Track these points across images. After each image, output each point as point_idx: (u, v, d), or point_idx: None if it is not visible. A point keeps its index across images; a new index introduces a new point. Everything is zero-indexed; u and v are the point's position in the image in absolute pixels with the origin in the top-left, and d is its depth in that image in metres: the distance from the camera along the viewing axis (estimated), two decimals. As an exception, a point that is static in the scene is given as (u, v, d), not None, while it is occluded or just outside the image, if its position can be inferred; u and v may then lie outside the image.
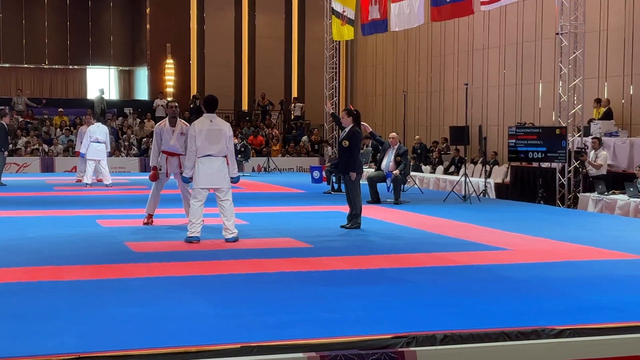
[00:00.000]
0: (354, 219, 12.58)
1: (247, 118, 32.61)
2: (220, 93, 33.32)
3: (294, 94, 34.52)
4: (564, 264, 9.23)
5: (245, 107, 34.27)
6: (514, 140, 17.87)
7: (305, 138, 31.69)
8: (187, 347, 5.34)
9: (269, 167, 28.11)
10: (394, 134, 17.55)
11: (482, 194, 18.18)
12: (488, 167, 20.89)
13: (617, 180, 16.34)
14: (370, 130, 14.66)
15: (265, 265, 8.96)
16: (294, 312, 6.53)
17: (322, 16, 30.42)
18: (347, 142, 12.46)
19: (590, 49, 18.98)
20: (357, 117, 12.79)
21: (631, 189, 14.87)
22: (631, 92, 19.57)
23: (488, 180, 19.16)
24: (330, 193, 18.93)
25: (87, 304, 6.82)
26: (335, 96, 30.11)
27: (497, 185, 19.58)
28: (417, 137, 26.21)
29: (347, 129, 12.62)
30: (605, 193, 15.66)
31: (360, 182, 12.80)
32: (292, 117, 33.35)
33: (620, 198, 15.14)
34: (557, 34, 17.95)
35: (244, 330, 5.86)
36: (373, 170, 17.29)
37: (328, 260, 9.30)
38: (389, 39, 30.37)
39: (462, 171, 17.77)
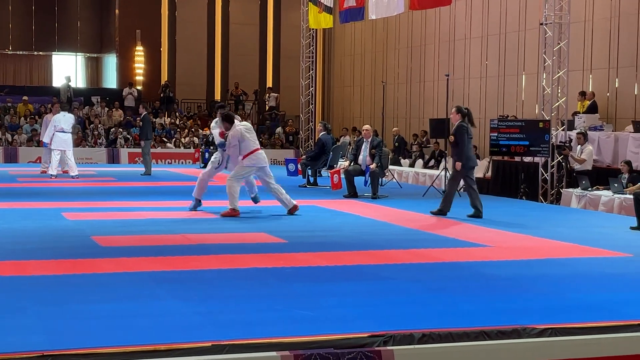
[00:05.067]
0: (478, 213, 13.39)
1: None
2: (191, 82, 33.42)
3: (269, 83, 34.47)
4: (546, 262, 9.30)
5: (217, 96, 34.19)
6: (495, 134, 17.96)
7: (279, 129, 31.67)
8: (157, 345, 5.33)
9: (242, 159, 28.05)
10: (367, 126, 17.59)
11: (462, 189, 18.26)
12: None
13: (601, 176, 16.47)
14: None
15: (239, 261, 8.96)
16: (267, 310, 6.54)
17: (299, 3, 30.37)
18: (452, 138, 13.50)
19: (575, 40, 19.11)
20: (466, 114, 13.71)
21: (615, 185, 14.99)
22: (617, 86, 19.74)
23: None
24: (305, 186, 18.94)
25: (53, 300, 6.79)
26: (312, 86, 30.07)
27: (478, 180, 19.64)
28: (394, 129, 26.26)
29: (456, 125, 13.55)
30: (589, 189, 15.79)
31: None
32: (267, 107, 33.31)
33: (605, 194, 15.27)
34: (541, 24, 18.05)
35: (216, 328, 5.86)
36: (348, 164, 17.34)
37: (303, 256, 9.31)
38: (367, 28, 30.40)
39: (442, 165, 17.84)
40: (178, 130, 30.48)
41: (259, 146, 13.42)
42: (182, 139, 29.81)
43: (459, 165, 13.44)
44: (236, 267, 8.60)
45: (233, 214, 12.96)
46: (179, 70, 33.62)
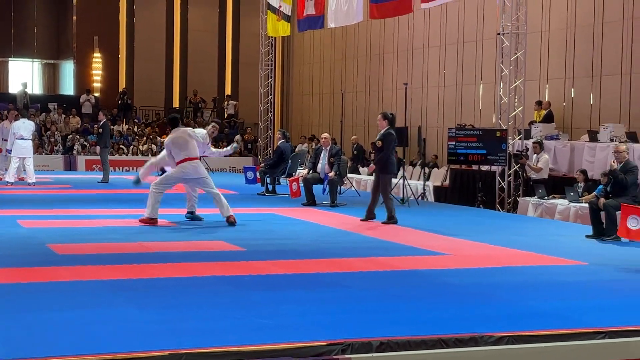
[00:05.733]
0: (392, 219, 13.61)
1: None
2: (150, 89, 33.21)
3: (228, 91, 34.40)
4: (504, 270, 9.38)
5: (176, 104, 34.02)
6: (453, 143, 18.08)
7: (238, 137, 31.57)
8: (114, 354, 5.29)
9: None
10: (325, 134, 17.66)
11: (420, 197, 18.36)
12: (427, 170, 21.10)
13: (557, 185, 16.66)
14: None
15: (196, 269, 8.92)
16: (225, 318, 6.52)
17: (258, 11, 30.36)
18: (380, 143, 13.65)
19: (531, 50, 19.32)
20: (391, 120, 13.85)
21: (571, 194, 15.17)
22: (572, 95, 19.98)
23: (427, 183, 19.36)
24: (264, 195, 18.91)
25: (8, 308, 6.70)
26: (271, 94, 30.07)
27: (436, 189, 19.80)
28: (353, 137, 26.33)
29: (382, 131, 13.69)
30: (545, 197, 15.96)
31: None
32: (225, 115, 33.22)
33: (561, 203, 15.45)
34: (499, 34, 18.24)
35: (173, 337, 5.82)
36: (307, 172, 17.38)
37: (261, 264, 9.29)
38: (327, 36, 30.47)
39: (400, 173, 17.92)
40: (136, 137, 30.26)
41: (192, 155, 12.85)
42: (140, 147, 29.60)
43: (372, 168, 13.85)
44: (194, 275, 8.55)
45: (150, 222, 12.62)
46: (137, 77, 33.41)
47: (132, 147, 29.58)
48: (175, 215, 13.55)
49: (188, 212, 13.52)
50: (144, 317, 6.53)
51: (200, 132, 13.80)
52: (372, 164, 13.84)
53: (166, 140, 13.19)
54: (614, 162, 12.44)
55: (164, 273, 8.61)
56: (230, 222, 12.89)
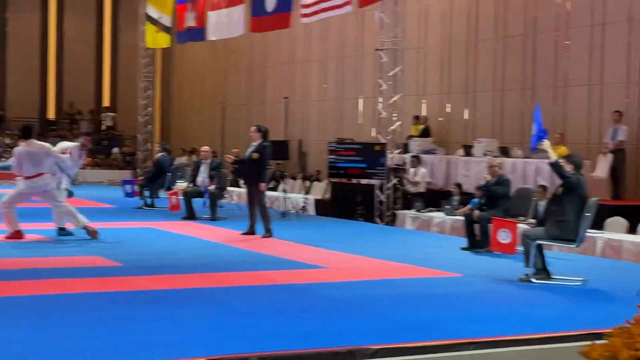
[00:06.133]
0: (269, 232, 13.59)
1: (54, 127, 31.60)
2: (24, 100, 32.26)
3: (106, 103, 33.78)
4: (382, 282, 9.53)
5: (51, 115, 33.19)
6: (334, 156, 18.27)
7: (116, 150, 31.09)
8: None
9: (77, 179, 27.33)
10: (206, 147, 17.55)
11: (301, 211, 18.47)
12: (308, 183, 21.24)
13: (434, 198, 17.02)
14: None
15: (71, 285, 8.73)
16: (102, 336, 6.40)
17: (137, 22, 29.96)
18: (257, 155, 13.56)
19: (409, 66, 19.72)
20: (265, 133, 13.98)
21: (447, 207, 15.54)
22: (448, 110, 20.49)
23: (308, 196, 19.50)
24: (143, 208, 18.66)
25: None
26: (150, 106, 29.68)
27: (317, 202, 19.94)
28: (234, 150, 26.25)
29: (255, 144, 13.72)
30: (423, 210, 16.30)
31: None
32: (103, 127, 32.64)
33: (437, 216, 15.80)
34: (377, 49, 18.55)
35: (48, 356, 5.69)
36: (187, 185, 17.25)
37: (139, 280, 9.18)
38: (208, 49, 30.31)
39: (281, 186, 18.00)
40: (7, 149, 29.37)
41: (45, 171, 12.39)
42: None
43: (263, 186, 13.69)
44: (69, 292, 8.37)
45: (16, 236, 12.35)
46: (10, 88, 32.41)
47: (3, 159, 28.68)
48: (48, 230, 13.18)
49: (59, 228, 13.06)
50: (19, 336, 6.35)
51: (63, 145, 13.48)
52: (261, 184, 13.67)
53: (19, 149, 12.62)
54: (486, 175, 12.83)
55: (38, 290, 8.40)
56: (91, 231, 12.64)
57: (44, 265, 10.20)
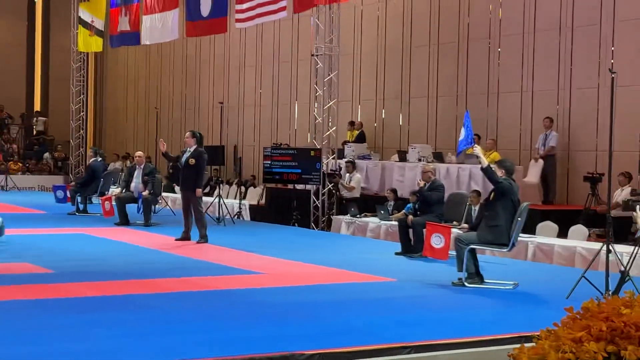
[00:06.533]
0: (204, 238, 13.51)
1: (-17, 131, 30.96)
2: (-50, 104, 31.51)
3: (37, 107, 33.21)
4: (317, 288, 9.56)
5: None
6: (269, 162, 18.25)
7: (47, 155, 30.60)
8: None
9: (7, 185, 26.82)
10: (140, 152, 17.41)
11: (236, 216, 18.41)
12: (243, 189, 21.18)
13: (369, 203, 17.10)
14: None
15: (0, 292, 8.55)
16: (32, 344, 6.30)
17: (69, 25, 29.56)
18: (193, 161, 13.48)
19: (344, 72, 19.83)
20: (200, 138, 14.07)
21: (382, 212, 15.62)
22: (383, 116, 20.63)
23: (243, 202, 19.44)
24: (75, 214, 18.39)
25: None
26: (83, 111, 29.32)
27: (252, 207, 19.89)
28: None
29: (191, 149, 13.65)
30: (358, 215, 16.37)
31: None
32: (34, 132, 32.09)
33: (372, 221, 15.87)
34: (313, 55, 18.61)
35: (-26, 365, 5.58)
36: (120, 191, 17.09)
37: (71, 287, 9.05)
38: (141, 53, 30.08)
39: (216, 192, 17.91)
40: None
41: None
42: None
43: (199, 192, 13.61)
44: (-3, 299, 8.22)
45: None
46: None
47: None
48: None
49: None
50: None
51: None
52: (197, 189, 13.61)
53: None
54: (420, 181, 12.94)
55: (-36, 298, 8.22)
56: None
57: (-28, 272, 9.98)
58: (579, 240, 12.85)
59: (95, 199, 19.24)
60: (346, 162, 17.99)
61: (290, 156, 18.14)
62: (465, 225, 13.04)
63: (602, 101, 15.32)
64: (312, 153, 17.88)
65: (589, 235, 13.12)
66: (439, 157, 16.97)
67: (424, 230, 11.77)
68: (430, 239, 11.17)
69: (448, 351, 6.63)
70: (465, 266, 9.75)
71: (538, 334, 4.15)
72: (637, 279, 8.99)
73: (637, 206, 8.27)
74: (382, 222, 15.48)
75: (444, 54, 18.84)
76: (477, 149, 10.50)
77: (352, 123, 20.58)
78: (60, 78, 31.95)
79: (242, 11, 20.00)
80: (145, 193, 16.37)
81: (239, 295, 8.89)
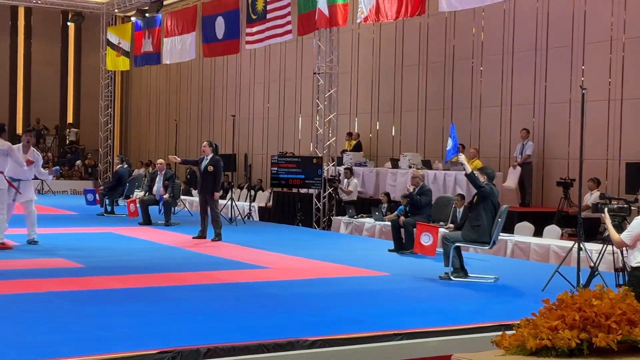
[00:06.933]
0: (219, 236, 13.45)
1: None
2: (-7, 117, 31.49)
3: (70, 119, 33.22)
4: (318, 281, 9.52)
5: (19, 131, 32.45)
6: (276, 168, 18.22)
7: (79, 162, 30.60)
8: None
9: (43, 189, 26.82)
10: (161, 160, 17.47)
11: (247, 217, 18.38)
12: (253, 192, 21.15)
13: (365, 205, 17.08)
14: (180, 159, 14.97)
15: (36, 285, 8.54)
16: (62, 331, 6.26)
17: (98, 46, 29.61)
18: (212, 168, 13.52)
19: (343, 88, 19.80)
20: (216, 148, 14.22)
21: (377, 213, 15.59)
22: (377, 128, 20.60)
23: (252, 204, 19.41)
24: (103, 215, 18.36)
25: None
26: (110, 123, 29.40)
27: (260, 209, 19.86)
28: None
29: (208, 157, 13.67)
30: (355, 217, 16.34)
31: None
32: (67, 141, 32.09)
33: (368, 221, 15.84)
34: (315, 73, 18.59)
35: (14, 350, 5.54)
36: (144, 194, 17.07)
37: (98, 280, 9.01)
38: (162, 71, 30.10)
39: (229, 195, 17.89)
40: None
41: None
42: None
43: (217, 195, 13.68)
44: (33, 291, 8.18)
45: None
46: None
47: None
48: (25, 235, 12.82)
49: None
50: (-16, 332, 6.18)
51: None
52: (215, 193, 13.59)
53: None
54: (410, 186, 12.90)
55: (5, 290, 8.18)
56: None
57: (10, 267, 9.94)
58: (552, 238, 12.81)
59: (121, 202, 19.23)
60: (345, 168, 17.96)
61: (294, 163, 18.11)
62: (451, 225, 13.03)
63: (574, 114, 15.28)
64: (314, 161, 17.86)
65: (562, 235, 13.09)
66: (427, 164, 16.94)
67: (414, 229, 11.74)
68: (420, 238, 11.13)
69: (436, 338, 6.59)
70: (451, 262, 9.71)
71: (518, 322, 4.12)
72: (605, 273, 8.96)
73: (605, 208, 8.21)
74: (377, 222, 15.45)
75: (432, 72, 18.81)
76: (462, 157, 10.47)
77: (350, 134, 20.56)
78: (90, 94, 31.99)
79: (252, 34, 20.00)
80: (166, 196, 16.35)
81: (249, 288, 8.85)
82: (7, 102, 32.10)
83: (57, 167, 13.03)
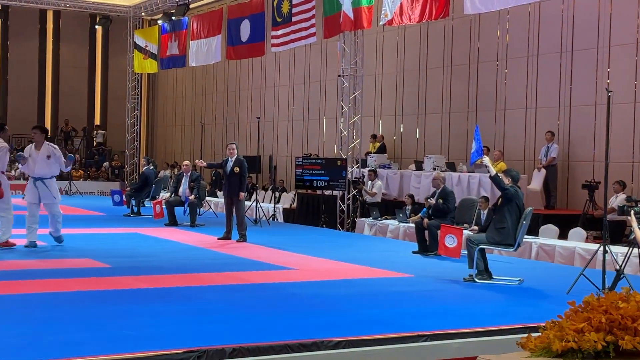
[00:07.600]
0: (244, 237, 13.53)
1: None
2: (23, 118, 31.83)
3: (97, 121, 33.50)
4: (343, 282, 9.50)
5: (48, 132, 32.76)
6: (300, 170, 18.24)
7: (106, 163, 30.84)
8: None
9: (70, 190, 27.05)
10: (186, 162, 17.53)
11: (271, 218, 18.41)
12: (277, 194, 21.19)
13: (389, 207, 17.05)
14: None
15: (64, 284, 8.59)
16: (89, 330, 6.30)
17: (126, 49, 29.84)
18: (237, 169, 13.59)
19: (367, 90, 19.79)
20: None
21: (401, 215, 15.56)
22: (401, 130, 20.56)
23: (277, 205, 19.44)
24: (130, 215, 18.48)
25: None
26: (137, 125, 29.60)
27: (285, 210, 19.89)
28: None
29: (233, 159, 13.71)
30: (379, 218, 16.31)
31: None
32: (95, 143, 32.36)
33: (392, 223, 15.81)
34: (339, 76, 18.59)
35: (41, 348, 5.58)
36: (169, 195, 17.15)
37: (125, 280, 9.06)
38: (188, 74, 30.25)
39: (254, 197, 17.94)
40: (9, 163, 28.97)
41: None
42: (14, 171, 28.35)
43: (242, 195, 13.68)
44: (61, 290, 8.24)
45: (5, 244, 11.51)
46: (10, 107, 31.95)
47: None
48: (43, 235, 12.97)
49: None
50: (15, 330, 6.22)
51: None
52: (241, 193, 13.64)
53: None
54: (430, 198, 12.78)
55: (33, 289, 8.26)
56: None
57: (38, 267, 10.03)
58: (577, 241, 12.70)
59: (147, 203, 19.35)
60: (369, 170, 17.94)
61: (319, 165, 18.12)
62: (475, 227, 12.97)
63: (599, 117, 15.15)
64: (339, 163, 17.85)
65: (587, 237, 12.97)
66: (451, 166, 16.87)
67: (439, 231, 11.70)
68: (444, 239, 11.10)
69: (460, 340, 6.55)
70: (475, 264, 9.67)
71: (543, 324, 4.09)
72: (631, 276, 8.87)
73: (632, 211, 8.13)
74: (401, 224, 15.41)
75: (457, 75, 18.74)
76: (486, 160, 10.41)
77: (374, 136, 20.54)
78: (117, 96, 32.26)
79: (277, 37, 20.04)
80: (192, 197, 16.42)
81: (274, 288, 8.86)
82: (35, 104, 32.44)
83: (71, 155, 12.97)
